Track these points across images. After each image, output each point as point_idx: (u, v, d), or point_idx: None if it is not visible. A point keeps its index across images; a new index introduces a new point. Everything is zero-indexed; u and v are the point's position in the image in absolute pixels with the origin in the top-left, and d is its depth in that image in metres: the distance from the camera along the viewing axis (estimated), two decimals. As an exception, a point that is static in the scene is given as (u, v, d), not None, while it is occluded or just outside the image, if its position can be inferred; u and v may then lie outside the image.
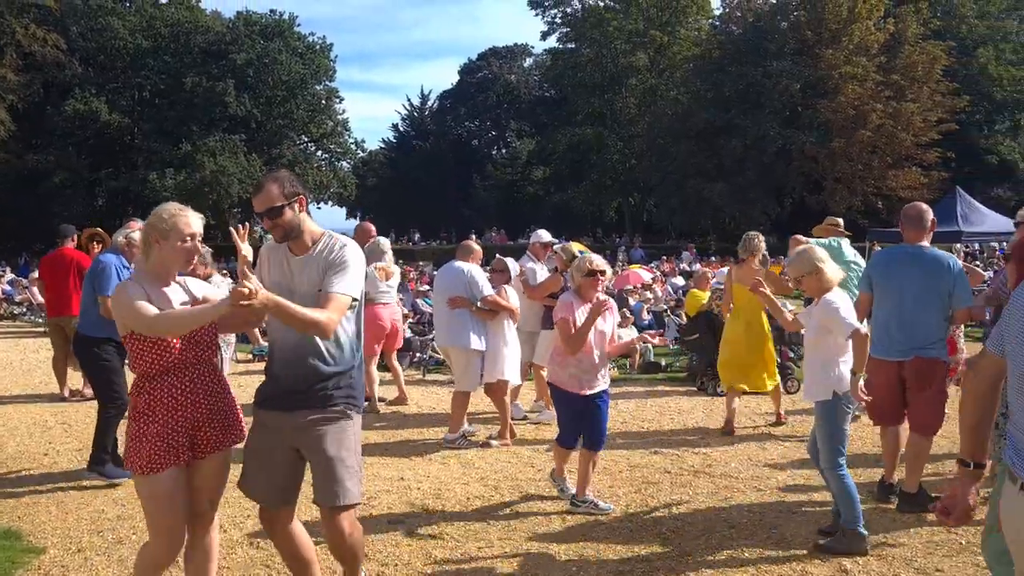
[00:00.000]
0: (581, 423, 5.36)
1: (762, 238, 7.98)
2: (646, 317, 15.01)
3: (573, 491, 5.51)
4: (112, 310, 3.37)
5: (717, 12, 43.65)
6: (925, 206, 5.57)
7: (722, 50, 38.28)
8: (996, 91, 38.85)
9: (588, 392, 5.29)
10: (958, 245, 21.34)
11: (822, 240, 7.68)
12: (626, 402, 8.98)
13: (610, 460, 6.54)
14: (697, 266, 23.21)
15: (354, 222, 51.35)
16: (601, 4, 44.92)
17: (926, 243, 5.43)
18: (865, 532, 4.61)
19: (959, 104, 34.52)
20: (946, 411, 5.50)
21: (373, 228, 8.98)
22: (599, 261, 5.40)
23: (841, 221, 8.32)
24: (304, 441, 3.43)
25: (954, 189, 22.25)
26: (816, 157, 34.34)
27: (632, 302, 16.17)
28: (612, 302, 5.48)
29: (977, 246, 24.86)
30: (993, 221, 21.32)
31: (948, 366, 5.51)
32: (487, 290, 7.14)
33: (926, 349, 5.27)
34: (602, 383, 5.35)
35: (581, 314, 5.22)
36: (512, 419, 7.46)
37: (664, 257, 29.35)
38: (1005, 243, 22.14)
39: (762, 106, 35.15)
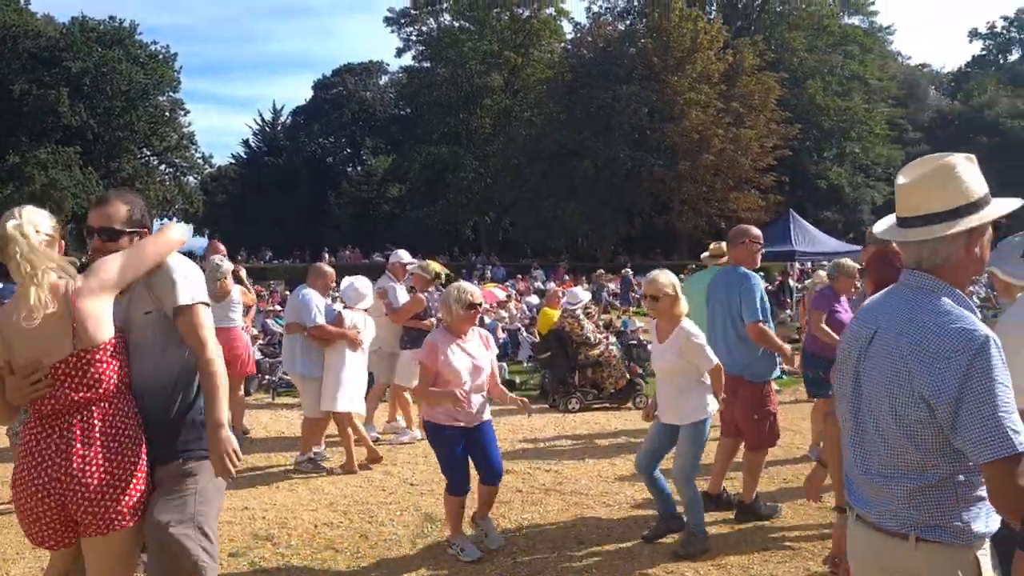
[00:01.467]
0: (466, 460, 4.90)
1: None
2: (501, 336, 15.09)
3: (476, 554, 4.86)
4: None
5: (569, 36, 44.92)
6: (747, 227, 5.75)
7: (574, 73, 39.33)
8: (824, 120, 41.68)
9: (469, 425, 4.87)
10: (795, 263, 22.68)
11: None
12: (480, 421, 8.94)
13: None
14: (551, 284, 23.59)
15: (201, 240, 49.43)
16: (456, 24, 45.33)
17: (746, 265, 5.53)
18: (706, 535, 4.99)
19: (792, 132, 36.85)
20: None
21: (222, 246, 8.61)
22: (478, 293, 5.00)
23: (724, 246, 8.34)
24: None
25: (788, 211, 23.64)
26: (664, 179, 35.75)
27: (487, 320, 16.23)
28: (488, 335, 5.15)
29: (810, 264, 26.48)
30: (823, 241, 22.78)
31: (760, 384, 5.48)
32: (319, 319, 6.88)
33: (726, 367, 5.38)
34: (480, 417, 4.92)
35: (451, 353, 4.76)
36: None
37: (519, 276, 29.70)
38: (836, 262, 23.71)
39: (612, 129, 36.30)
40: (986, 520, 2.07)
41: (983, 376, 1.91)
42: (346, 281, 7.38)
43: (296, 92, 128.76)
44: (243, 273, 8.54)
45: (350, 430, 6.93)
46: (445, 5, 45.24)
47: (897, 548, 2.12)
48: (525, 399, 5.24)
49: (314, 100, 58.41)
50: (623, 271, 27.04)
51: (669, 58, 36.52)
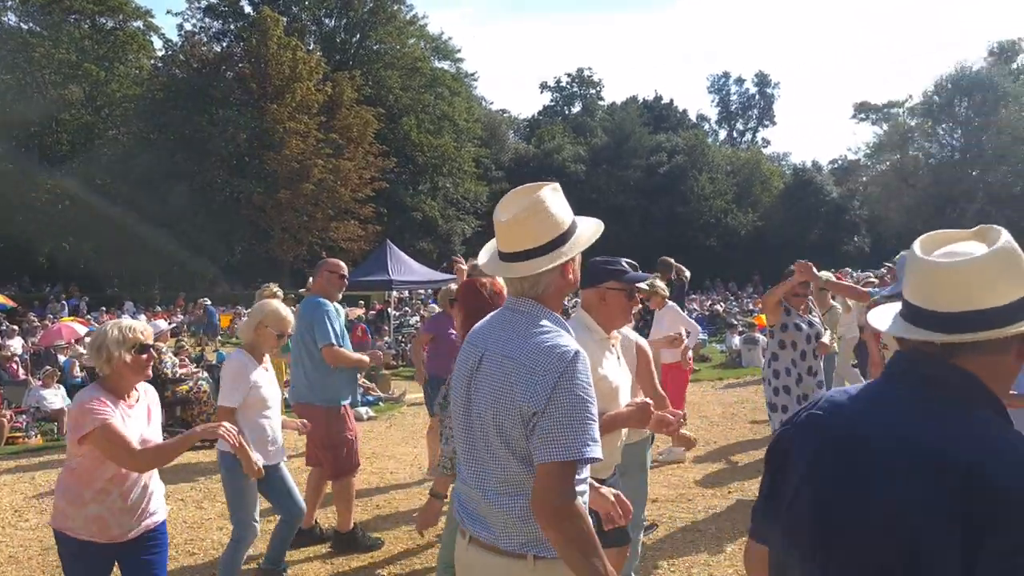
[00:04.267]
0: None
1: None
2: (78, 374, 13.67)
3: None
4: None
5: (160, 53, 42.38)
6: (328, 260, 5.99)
7: (166, 93, 37.20)
8: (419, 156, 44.11)
9: (129, 537, 3.38)
10: (393, 292, 23.58)
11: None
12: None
13: (19, 545, 5.75)
14: (142, 317, 21.95)
15: None
16: (25, 27, 40.39)
17: (324, 294, 5.69)
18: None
19: (388, 165, 38.52)
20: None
21: None
22: (148, 330, 3.50)
23: None
24: None
25: (385, 242, 24.58)
26: (263, 207, 35.18)
27: (63, 359, 14.66)
28: (152, 392, 3.68)
29: (407, 293, 27.76)
30: (419, 271, 24.05)
31: (335, 409, 5.57)
32: None
33: (301, 395, 5.60)
34: (157, 514, 3.50)
35: (129, 416, 3.34)
36: None
37: (103, 308, 27.23)
38: (431, 289, 25.14)
39: (209, 153, 34.97)
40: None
41: (568, 388, 2.04)
42: None
43: None
44: None
45: None
46: (9, 3, 40.11)
47: (515, 568, 2.16)
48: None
49: None
50: (199, 301, 25.73)
51: (269, 85, 36.16)
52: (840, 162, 57.31)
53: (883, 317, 1.69)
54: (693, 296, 33.12)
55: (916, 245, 1.60)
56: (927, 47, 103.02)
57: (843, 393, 1.67)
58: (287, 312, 4.67)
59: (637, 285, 3.50)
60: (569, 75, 66.36)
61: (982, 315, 1.48)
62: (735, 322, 21.10)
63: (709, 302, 31.07)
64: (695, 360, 14.79)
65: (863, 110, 52.86)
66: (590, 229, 2.32)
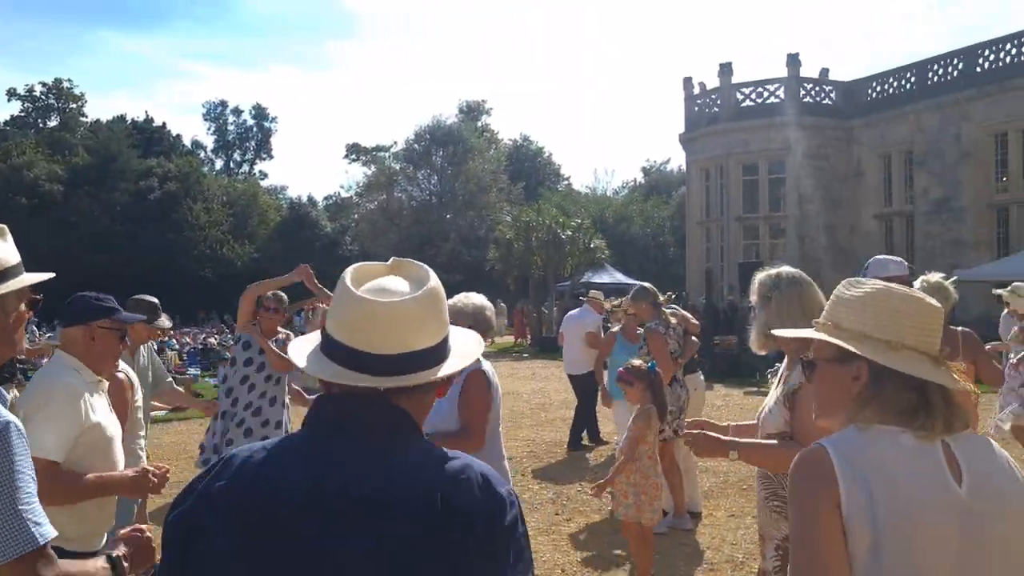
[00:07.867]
0: None
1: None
2: None
3: None
4: None
5: None
6: None
7: None
8: None
9: None
10: None
11: None
12: None
13: None
14: None
15: None
16: None
17: None
18: None
19: None
20: None
21: None
22: None
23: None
24: None
25: None
26: None
27: None
28: None
29: None
30: None
31: None
32: None
33: None
34: None
35: None
36: None
37: None
38: None
39: None
40: None
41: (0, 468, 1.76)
42: None
43: None
44: None
45: None
46: None
47: None
48: None
49: None
50: None
51: None
52: (334, 198, 60.19)
53: (300, 353, 1.54)
54: (186, 330, 31.98)
55: (348, 279, 1.49)
56: (411, 96, 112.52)
57: (249, 453, 1.44)
58: None
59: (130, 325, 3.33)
60: (45, 84, 59.64)
61: (420, 356, 1.44)
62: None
63: (203, 335, 30.07)
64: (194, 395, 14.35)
65: (355, 151, 56.33)
66: (33, 277, 2.06)
